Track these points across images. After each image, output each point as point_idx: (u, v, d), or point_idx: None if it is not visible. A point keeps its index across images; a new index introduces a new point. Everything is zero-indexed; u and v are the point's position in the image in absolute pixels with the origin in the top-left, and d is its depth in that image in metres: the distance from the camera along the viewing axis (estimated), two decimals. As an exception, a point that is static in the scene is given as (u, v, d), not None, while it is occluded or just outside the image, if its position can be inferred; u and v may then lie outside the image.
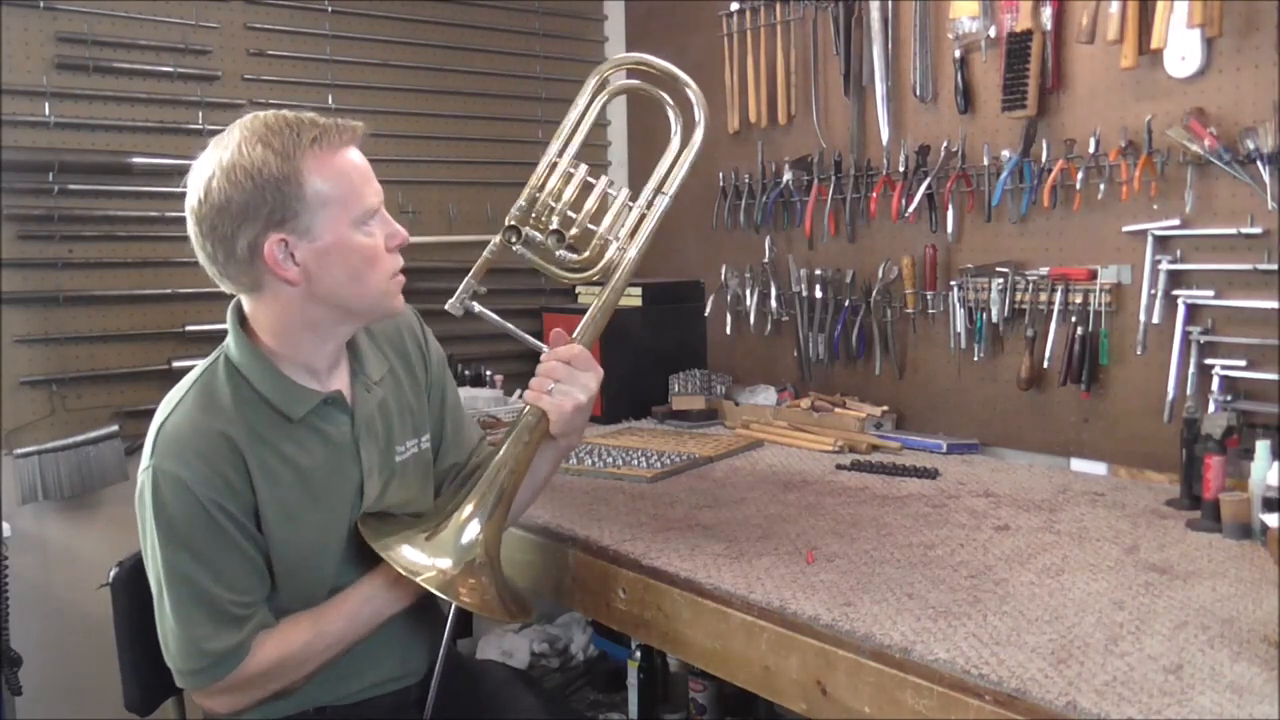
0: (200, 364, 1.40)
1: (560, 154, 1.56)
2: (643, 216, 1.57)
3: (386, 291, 1.39)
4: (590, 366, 1.47)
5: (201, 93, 2.53)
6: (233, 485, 1.31)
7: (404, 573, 1.34)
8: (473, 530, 1.41)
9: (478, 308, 1.53)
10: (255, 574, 1.35)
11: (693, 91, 1.59)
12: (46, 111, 2.34)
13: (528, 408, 1.46)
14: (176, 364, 2.45)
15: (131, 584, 1.49)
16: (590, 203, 1.56)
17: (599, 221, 1.57)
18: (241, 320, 1.40)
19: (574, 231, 1.55)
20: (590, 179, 1.57)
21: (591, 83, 1.58)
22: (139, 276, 2.47)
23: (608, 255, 1.55)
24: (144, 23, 2.45)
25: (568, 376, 1.45)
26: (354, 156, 1.34)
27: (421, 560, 1.36)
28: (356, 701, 1.46)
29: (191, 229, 1.31)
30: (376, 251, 1.35)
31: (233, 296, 1.40)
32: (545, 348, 1.50)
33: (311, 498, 1.38)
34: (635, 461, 2.17)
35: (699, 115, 1.58)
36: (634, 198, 1.58)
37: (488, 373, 2.83)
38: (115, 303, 2.45)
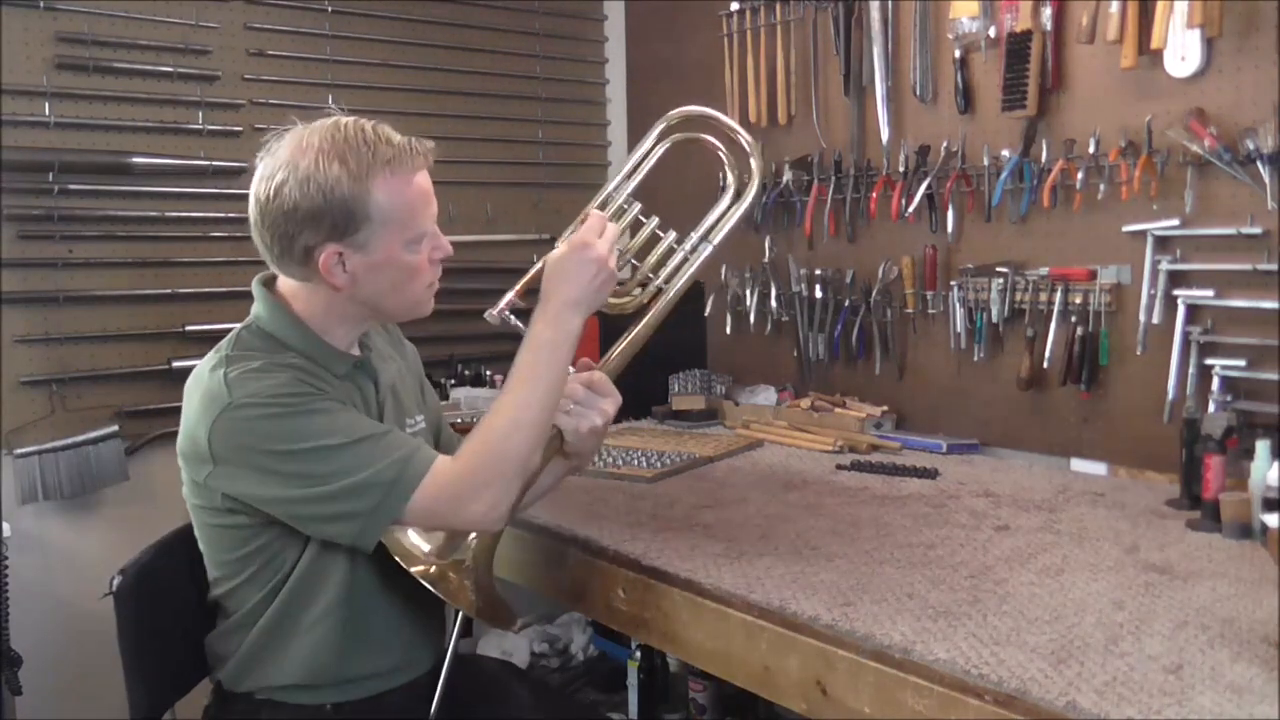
0: (221, 343, 1.43)
1: (617, 189, 1.62)
2: (684, 260, 1.61)
3: (420, 300, 1.47)
4: (609, 392, 1.52)
5: (201, 93, 2.52)
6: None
7: (397, 556, 1.36)
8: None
9: (514, 320, 1.57)
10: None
11: (749, 145, 1.66)
12: (46, 111, 2.34)
13: None
14: (176, 364, 2.44)
15: (135, 592, 1.48)
16: (638, 240, 1.62)
17: (643, 258, 1.62)
18: (269, 288, 1.46)
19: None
20: (642, 217, 1.62)
21: (658, 128, 1.64)
22: (139, 276, 2.47)
23: (646, 291, 1.60)
24: (144, 23, 2.45)
25: (586, 399, 1.49)
26: (420, 180, 1.40)
27: (411, 541, 1.39)
28: (369, 696, 1.48)
29: (253, 216, 1.38)
30: (420, 267, 1.42)
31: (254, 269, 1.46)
32: (570, 370, 1.54)
33: None
34: (635, 461, 2.17)
35: (754, 170, 1.65)
36: (679, 240, 1.63)
37: (487, 373, 2.84)
38: (115, 303, 2.45)
